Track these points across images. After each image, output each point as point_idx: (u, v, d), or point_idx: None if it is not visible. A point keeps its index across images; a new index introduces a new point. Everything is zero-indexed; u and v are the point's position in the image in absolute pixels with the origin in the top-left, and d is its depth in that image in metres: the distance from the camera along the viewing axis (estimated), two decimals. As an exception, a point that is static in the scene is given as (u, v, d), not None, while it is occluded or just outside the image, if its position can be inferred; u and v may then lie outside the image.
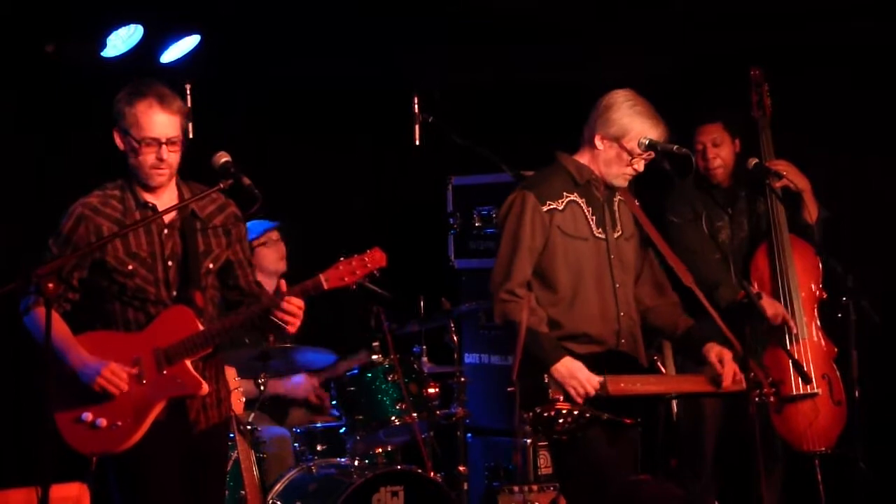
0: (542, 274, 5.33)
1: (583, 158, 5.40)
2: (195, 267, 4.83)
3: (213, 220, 4.90)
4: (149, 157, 4.74)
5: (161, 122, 4.73)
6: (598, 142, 5.35)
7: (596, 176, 5.38)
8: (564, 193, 5.35)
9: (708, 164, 6.42)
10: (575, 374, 5.14)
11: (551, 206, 5.32)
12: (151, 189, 4.82)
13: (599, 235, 5.38)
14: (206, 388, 4.78)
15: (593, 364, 5.20)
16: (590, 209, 5.38)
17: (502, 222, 5.38)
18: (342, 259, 4.77)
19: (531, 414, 5.06)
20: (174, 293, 4.81)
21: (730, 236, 6.41)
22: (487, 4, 7.13)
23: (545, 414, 5.03)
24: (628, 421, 5.21)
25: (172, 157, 4.77)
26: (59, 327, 4.67)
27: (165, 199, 4.84)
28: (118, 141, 4.79)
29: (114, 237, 4.71)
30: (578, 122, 5.48)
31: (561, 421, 5.05)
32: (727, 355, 5.27)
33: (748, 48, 7.07)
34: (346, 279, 4.75)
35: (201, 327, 4.76)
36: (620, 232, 5.44)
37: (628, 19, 7.19)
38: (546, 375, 5.14)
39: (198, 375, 4.77)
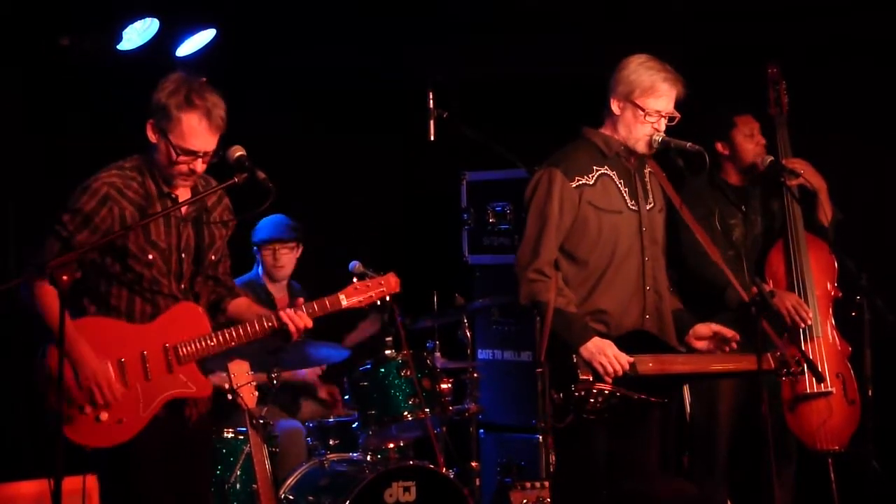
0: (571, 250, 5.25)
1: (607, 131, 5.34)
2: (203, 259, 4.88)
3: (214, 212, 4.96)
4: (182, 166, 4.74)
5: (204, 139, 4.73)
6: (613, 106, 5.30)
7: (624, 147, 5.33)
8: (594, 167, 5.29)
9: (759, 149, 6.36)
10: (604, 351, 5.08)
11: (580, 182, 5.25)
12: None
13: (633, 208, 5.32)
14: (210, 389, 4.83)
15: (616, 342, 5.16)
16: (622, 181, 5.32)
17: (529, 201, 5.29)
18: (358, 279, 4.98)
19: (561, 394, 5.05)
20: (183, 286, 4.84)
21: (743, 234, 6.39)
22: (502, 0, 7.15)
23: (577, 393, 5.01)
24: (655, 399, 5.17)
25: (202, 168, 4.79)
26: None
27: (181, 189, 4.86)
28: (151, 134, 4.76)
29: (140, 224, 4.69)
30: (592, 116, 5.47)
31: (592, 401, 5.03)
32: (721, 327, 5.28)
33: (761, 43, 7.06)
34: (362, 300, 4.97)
35: (209, 328, 4.80)
36: (653, 203, 5.39)
37: (641, 13, 7.18)
38: (575, 356, 5.10)
39: (205, 377, 4.81)
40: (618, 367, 5.07)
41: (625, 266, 5.28)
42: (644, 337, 5.27)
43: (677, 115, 5.31)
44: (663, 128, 5.29)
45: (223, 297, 5.04)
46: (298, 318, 4.84)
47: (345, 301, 4.92)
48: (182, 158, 4.71)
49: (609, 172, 5.31)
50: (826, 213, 6.35)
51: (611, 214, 5.27)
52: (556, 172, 5.25)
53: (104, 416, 4.69)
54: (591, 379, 5.06)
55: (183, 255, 4.83)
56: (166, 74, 4.83)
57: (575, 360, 5.09)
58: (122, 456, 4.74)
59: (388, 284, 4.99)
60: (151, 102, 4.75)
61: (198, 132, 4.71)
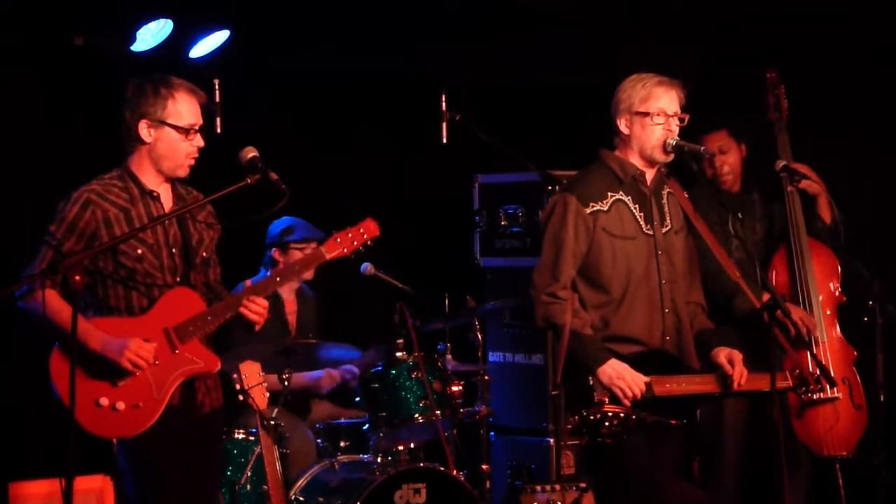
0: (589, 275, 5.29)
1: (622, 154, 5.38)
2: (193, 255, 4.93)
3: (197, 215, 5.01)
4: (190, 145, 4.87)
5: (197, 111, 4.90)
6: (621, 126, 5.33)
7: (640, 171, 5.35)
8: (609, 193, 5.31)
9: (716, 171, 6.42)
10: (622, 375, 5.09)
11: (595, 208, 5.28)
12: (164, 179, 4.91)
13: (648, 232, 5.34)
14: (219, 363, 4.86)
15: (636, 364, 5.17)
16: (636, 206, 5.34)
17: (545, 225, 5.35)
18: (337, 231, 4.99)
19: (577, 417, 5.07)
20: (178, 279, 4.90)
21: (742, 240, 6.38)
22: (517, 3, 7.14)
23: (591, 417, 5.02)
24: (674, 422, 5.19)
25: (202, 142, 4.93)
26: (69, 312, 4.57)
27: (162, 188, 4.94)
28: (148, 132, 4.85)
29: (136, 232, 4.77)
30: (603, 120, 5.47)
31: (607, 423, 5.03)
32: (737, 357, 5.24)
33: (760, 47, 7.07)
34: (345, 250, 4.99)
35: (205, 306, 4.85)
36: (669, 226, 5.41)
37: (654, 17, 7.19)
38: (591, 378, 5.11)
39: (211, 351, 4.85)
40: (636, 391, 5.09)
41: (642, 290, 5.31)
42: (663, 356, 5.29)
43: (685, 115, 5.32)
44: (675, 128, 5.30)
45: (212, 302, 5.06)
46: (250, 301, 4.88)
47: (328, 255, 4.98)
48: (192, 136, 4.85)
49: (624, 198, 5.33)
50: (826, 216, 6.34)
51: (624, 241, 5.30)
52: (570, 198, 5.28)
53: (120, 405, 4.73)
54: (606, 401, 5.07)
55: (173, 250, 4.90)
56: (171, 76, 4.94)
57: (591, 383, 5.11)
58: (140, 450, 4.76)
59: (368, 229, 5.02)
60: (134, 108, 4.86)
61: (191, 107, 4.89)
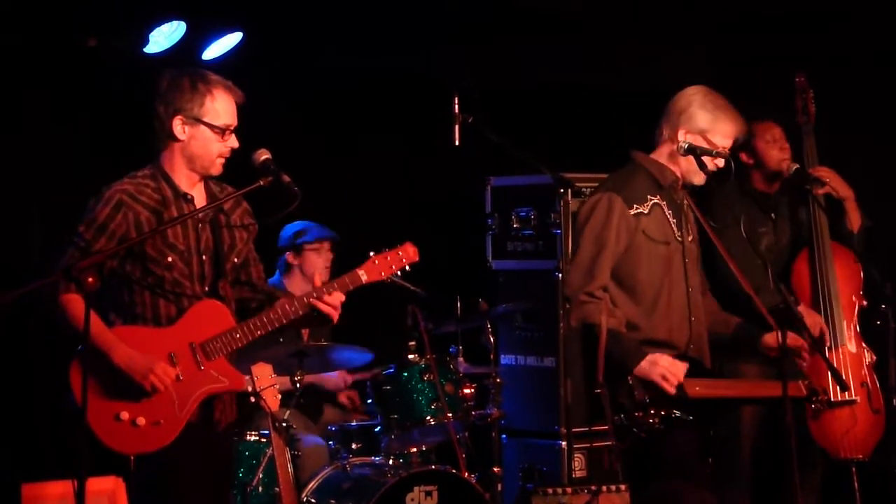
0: (621, 277, 5.29)
1: (661, 158, 5.37)
2: (223, 262, 4.83)
3: (232, 215, 4.92)
4: (224, 146, 4.77)
5: (233, 111, 4.80)
6: (681, 136, 5.31)
7: (677, 177, 5.35)
8: (649, 196, 5.32)
9: (785, 155, 6.37)
10: (657, 362, 5.10)
11: (638, 210, 5.28)
12: (198, 179, 4.81)
13: (679, 239, 5.37)
14: (244, 381, 4.78)
15: None
16: (671, 212, 5.36)
17: (584, 223, 5.32)
18: (375, 254, 4.87)
19: (621, 416, 5.07)
20: (206, 288, 4.80)
21: (772, 242, 6.38)
22: (523, 4, 7.15)
23: (635, 414, 5.03)
24: (706, 424, 5.23)
25: (237, 143, 4.83)
26: (94, 321, 4.48)
27: (196, 190, 4.83)
28: (182, 130, 4.75)
29: (161, 229, 4.66)
30: (612, 123, 5.47)
31: (651, 421, 5.05)
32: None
33: (785, 49, 7.06)
34: (383, 274, 4.87)
35: (234, 322, 4.75)
36: (692, 236, 5.44)
37: (654, 17, 7.19)
38: (630, 377, 5.11)
39: (236, 370, 4.76)
40: (677, 373, 5.09)
41: (671, 297, 5.33)
42: (687, 362, 5.26)
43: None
44: (723, 164, 5.34)
45: (262, 306, 4.97)
46: (330, 296, 4.79)
47: (364, 276, 4.85)
48: (226, 137, 4.75)
49: (661, 203, 5.35)
50: (853, 221, 6.33)
51: (660, 245, 5.32)
52: (616, 199, 5.28)
53: (141, 420, 4.62)
54: (647, 400, 5.08)
55: (203, 257, 4.79)
56: (208, 72, 4.88)
57: (631, 382, 5.11)
58: (159, 465, 4.67)
59: (407, 254, 4.91)
60: (168, 103, 4.75)
61: (228, 106, 4.78)
